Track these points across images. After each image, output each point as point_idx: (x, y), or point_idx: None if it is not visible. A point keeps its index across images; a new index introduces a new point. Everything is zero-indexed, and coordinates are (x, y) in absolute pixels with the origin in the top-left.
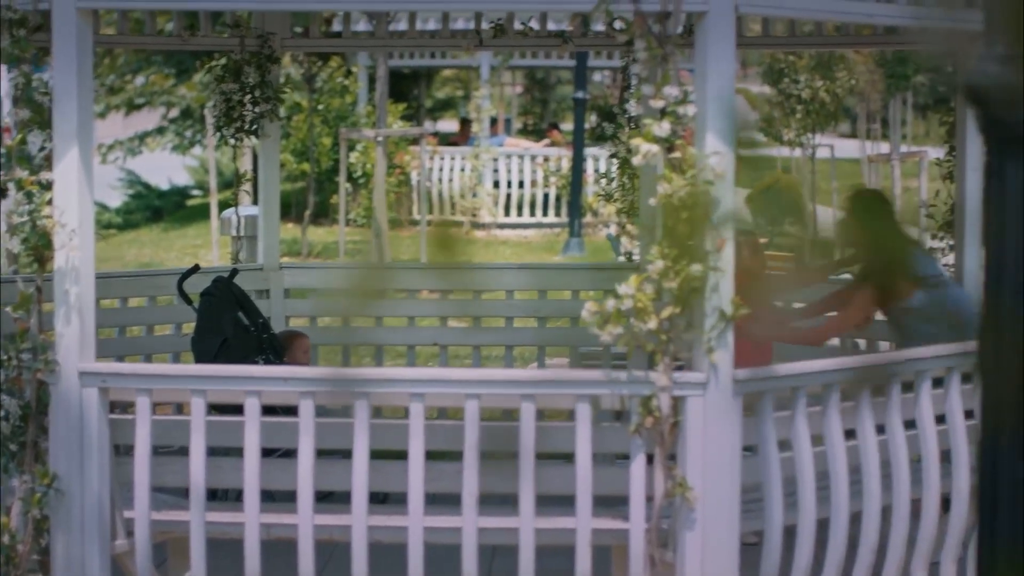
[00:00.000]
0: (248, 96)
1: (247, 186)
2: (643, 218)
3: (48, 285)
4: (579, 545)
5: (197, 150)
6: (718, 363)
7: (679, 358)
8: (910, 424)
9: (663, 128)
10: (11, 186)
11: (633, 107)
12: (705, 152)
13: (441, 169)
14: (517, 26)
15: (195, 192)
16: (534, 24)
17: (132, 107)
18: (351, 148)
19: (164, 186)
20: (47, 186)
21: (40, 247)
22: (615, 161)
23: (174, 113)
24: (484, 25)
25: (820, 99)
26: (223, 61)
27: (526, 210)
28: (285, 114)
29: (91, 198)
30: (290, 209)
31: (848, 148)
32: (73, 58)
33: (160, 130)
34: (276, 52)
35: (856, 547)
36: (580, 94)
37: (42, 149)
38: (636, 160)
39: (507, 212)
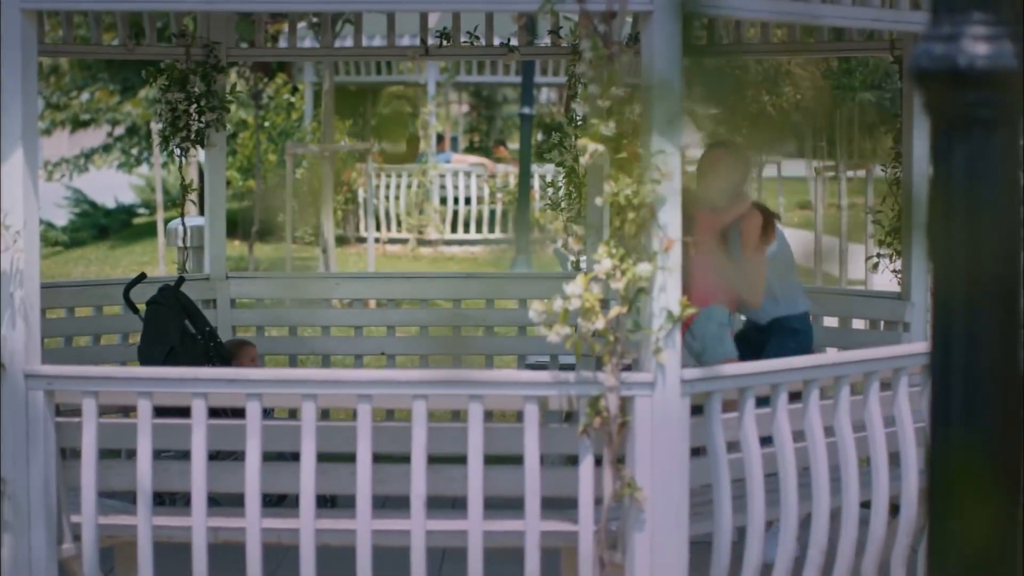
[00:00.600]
0: (194, 106)
1: (193, 196)
2: (590, 218)
3: None
4: (528, 547)
5: (143, 169)
6: (666, 363)
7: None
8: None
9: (609, 127)
10: None
11: (579, 108)
12: (651, 151)
13: (388, 186)
14: (463, 37)
15: (141, 211)
16: (479, 34)
17: (78, 124)
18: (297, 164)
19: (110, 205)
20: None
21: None
22: (561, 170)
23: (120, 131)
24: (430, 39)
25: (767, 115)
26: (170, 71)
27: (473, 226)
28: (231, 131)
29: (36, 199)
30: (236, 227)
31: (795, 168)
32: (18, 59)
33: (106, 148)
34: (222, 62)
35: (806, 548)
36: (526, 110)
37: None
38: (583, 159)
39: (454, 229)
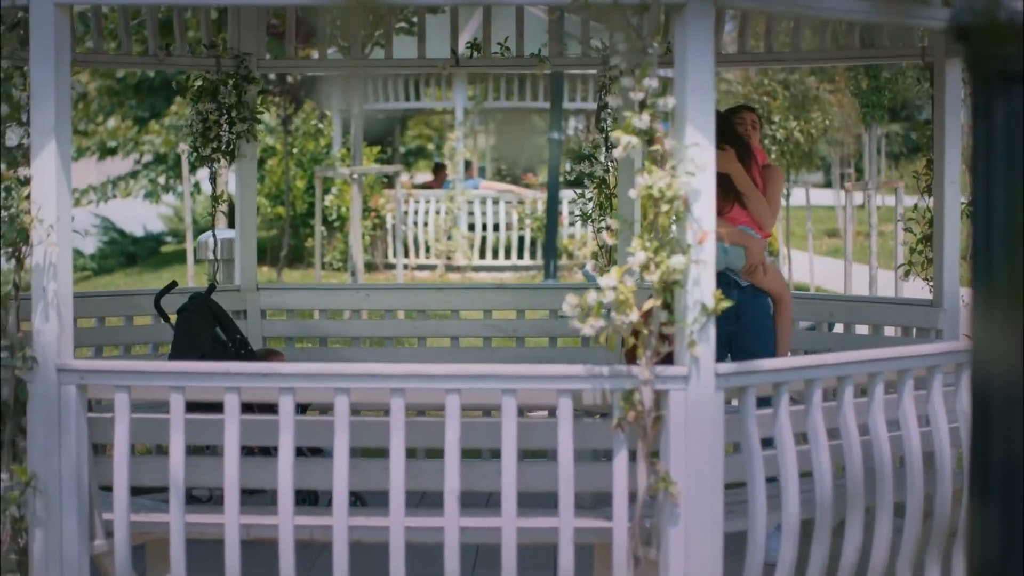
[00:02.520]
0: (225, 117)
1: (223, 207)
2: (622, 212)
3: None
4: (562, 543)
5: (171, 198)
6: (700, 357)
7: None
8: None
9: (643, 120)
10: None
11: (612, 100)
12: (685, 144)
13: (416, 212)
14: (493, 49)
15: (169, 239)
16: (510, 44)
17: (105, 152)
18: (326, 190)
19: (139, 233)
20: (25, 182)
21: (18, 242)
22: (591, 182)
23: (148, 158)
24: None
25: (795, 140)
26: (199, 83)
27: (501, 252)
28: (259, 157)
29: (69, 193)
30: (265, 254)
31: (823, 197)
32: (51, 53)
33: (134, 174)
34: (252, 72)
35: (841, 546)
36: (555, 135)
37: (19, 146)
38: (617, 152)
39: (482, 255)
